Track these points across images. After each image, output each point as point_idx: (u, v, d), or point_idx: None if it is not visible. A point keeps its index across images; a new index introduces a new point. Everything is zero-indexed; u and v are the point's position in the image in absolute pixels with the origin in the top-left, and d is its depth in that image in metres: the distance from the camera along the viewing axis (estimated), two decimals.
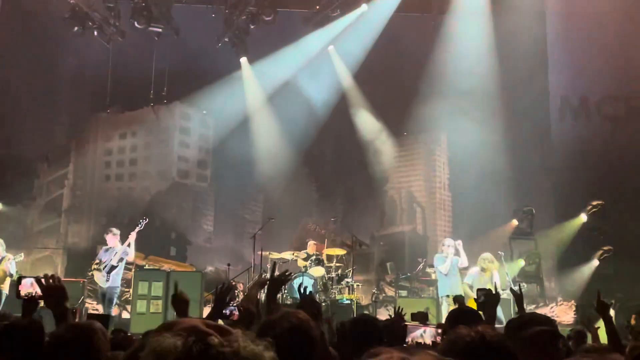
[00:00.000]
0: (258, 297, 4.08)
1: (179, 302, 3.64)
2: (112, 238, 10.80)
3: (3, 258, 10.63)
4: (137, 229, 10.74)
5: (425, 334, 3.14)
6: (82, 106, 15.74)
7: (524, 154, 14.22)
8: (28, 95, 15.22)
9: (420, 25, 14.81)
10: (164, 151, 15.88)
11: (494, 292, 3.85)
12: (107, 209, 15.16)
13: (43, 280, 3.25)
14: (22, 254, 11.49)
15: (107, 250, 10.78)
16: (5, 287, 10.45)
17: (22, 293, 3.75)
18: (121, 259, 10.67)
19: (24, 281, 3.93)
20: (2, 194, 14.15)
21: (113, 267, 10.54)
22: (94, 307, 11.96)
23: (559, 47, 14.43)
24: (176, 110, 15.81)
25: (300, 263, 12.63)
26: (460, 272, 10.86)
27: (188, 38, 14.13)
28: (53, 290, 3.18)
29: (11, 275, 10.46)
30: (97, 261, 10.64)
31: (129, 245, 10.66)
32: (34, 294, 3.61)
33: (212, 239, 16.13)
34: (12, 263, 10.66)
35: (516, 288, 6.16)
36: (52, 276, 3.26)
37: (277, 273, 4.00)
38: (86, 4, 13.10)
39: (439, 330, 3.18)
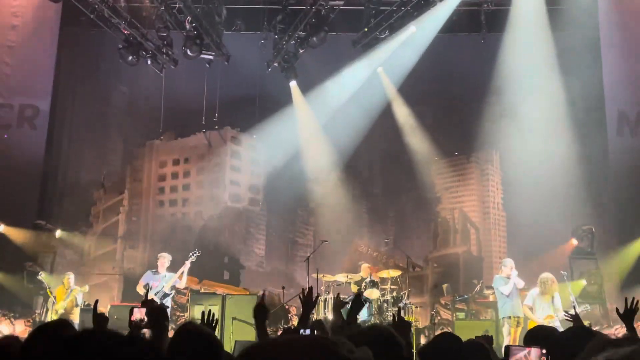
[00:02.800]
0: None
1: (261, 311, 3.78)
2: (164, 263, 10.99)
3: (72, 290, 11.46)
4: (190, 259, 10.98)
5: (530, 355, 3.06)
6: (136, 133, 16.08)
7: (580, 171, 13.82)
8: (84, 124, 15.69)
9: (469, 44, 14.72)
10: (216, 176, 16.03)
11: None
12: (161, 234, 15.35)
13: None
14: (87, 286, 12.24)
15: (155, 273, 10.92)
16: (75, 317, 11.09)
17: (133, 319, 4.93)
18: (172, 287, 10.88)
19: (135, 310, 5.07)
20: (61, 220, 14.53)
21: (166, 295, 10.69)
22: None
23: (614, 58, 14.09)
24: (227, 135, 15.99)
25: (354, 287, 12.50)
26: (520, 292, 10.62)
27: (238, 64, 14.37)
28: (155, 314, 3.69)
29: (77, 305, 11.32)
30: (144, 283, 10.67)
31: (181, 274, 10.86)
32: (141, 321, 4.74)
33: (264, 262, 16.13)
34: (79, 295, 11.51)
35: (572, 312, 6.00)
36: (160, 305, 3.73)
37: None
38: (140, 34, 13.45)
39: (544, 351, 3.09)
